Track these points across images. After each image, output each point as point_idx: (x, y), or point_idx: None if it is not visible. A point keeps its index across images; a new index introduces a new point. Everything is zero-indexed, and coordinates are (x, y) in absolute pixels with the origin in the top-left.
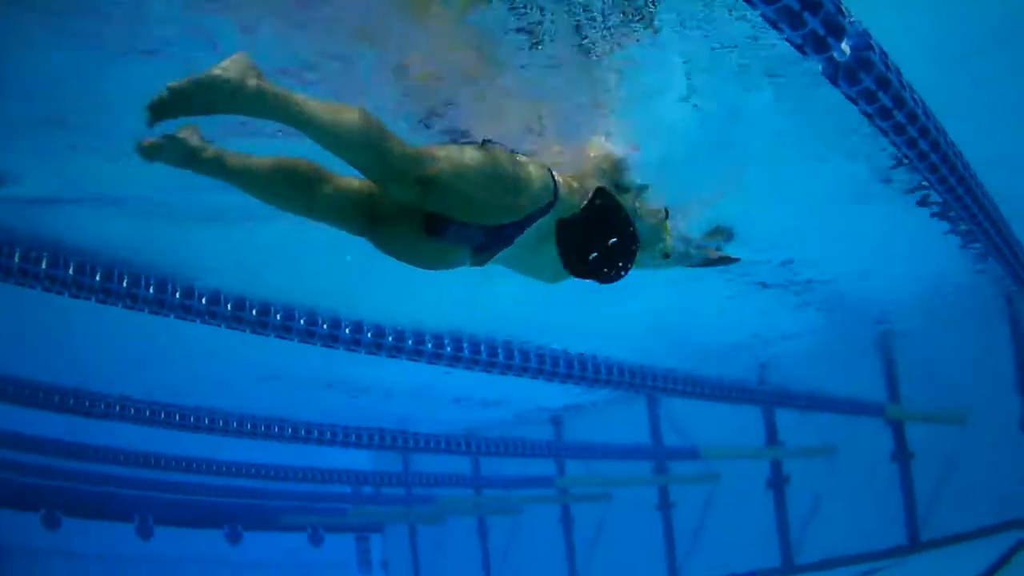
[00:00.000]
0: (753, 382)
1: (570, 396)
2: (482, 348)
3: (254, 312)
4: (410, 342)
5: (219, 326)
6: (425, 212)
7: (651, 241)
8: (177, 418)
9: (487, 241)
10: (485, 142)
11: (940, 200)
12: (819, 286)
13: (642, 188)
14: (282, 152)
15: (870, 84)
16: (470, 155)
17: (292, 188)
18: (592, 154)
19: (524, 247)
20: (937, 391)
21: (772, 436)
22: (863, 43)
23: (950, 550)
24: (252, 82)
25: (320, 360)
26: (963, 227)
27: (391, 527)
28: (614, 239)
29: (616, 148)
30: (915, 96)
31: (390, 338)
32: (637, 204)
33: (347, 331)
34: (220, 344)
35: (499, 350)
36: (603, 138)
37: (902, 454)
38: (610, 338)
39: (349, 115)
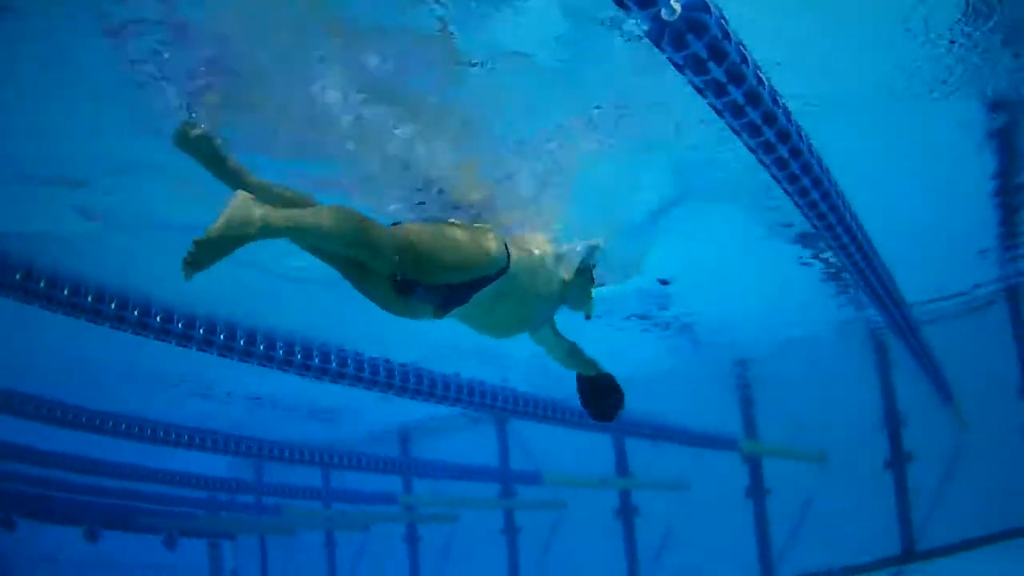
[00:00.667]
0: None
1: (420, 413)
2: (332, 358)
3: (113, 306)
4: (261, 347)
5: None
6: (395, 278)
7: (583, 302)
8: (42, 411)
9: (446, 300)
10: (449, 222)
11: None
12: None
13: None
14: None
15: (700, 50)
16: (434, 232)
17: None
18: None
19: (479, 306)
20: (800, 431)
21: (622, 465)
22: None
23: None
24: (257, 222)
25: (184, 362)
26: (831, 259)
27: (243, 536)
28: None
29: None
30: (760, 74)
31: (241, 341)
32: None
33: (201, 331)
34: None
35: (349, 361)
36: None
37: (758, 490)
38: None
39: (344, 217)
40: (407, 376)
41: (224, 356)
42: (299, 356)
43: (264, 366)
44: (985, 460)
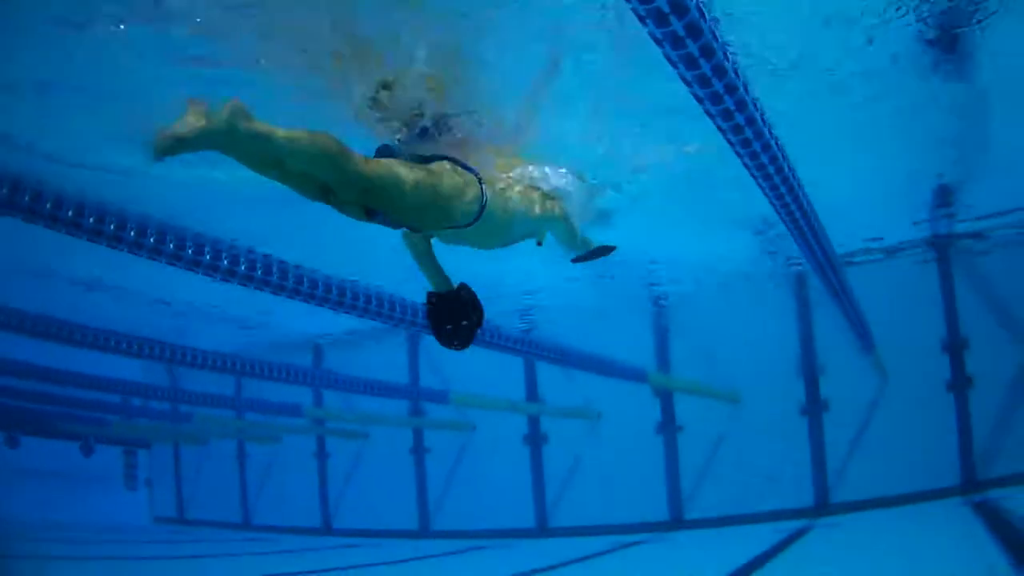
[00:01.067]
0: (516, 331)
1: (333, 325)
2: (241, 260)
3: (27, 198)
4: (171, 245)
5: None
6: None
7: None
8: None
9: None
10: (445, 158)
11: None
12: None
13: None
14: None
15: None
16: (410, 175)
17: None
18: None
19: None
20: (717, 371)
21: (532, 391)
22: None
23: (716, 531)
24: (243, 125)
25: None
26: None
27: (158, 445)
28: (464, 322)
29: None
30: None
31: (152, 239)
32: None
33: (112, 227)
34: None
35: (257, 265)
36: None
37: (669, 426)
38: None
39: (324, 141)
40: (316, 284)
41: (134, 253)
42: (208, 256)
43: (173, 265)
44: (905, 415)
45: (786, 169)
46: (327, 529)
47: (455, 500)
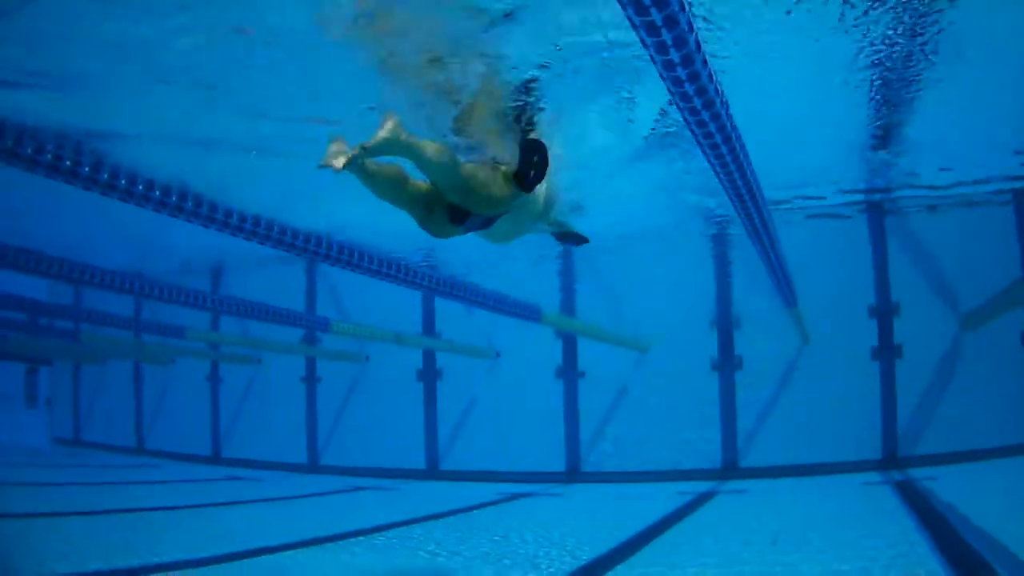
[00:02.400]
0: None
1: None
2: (138, 182)
3: None
4: (67, 162)
5: None
6: (451, 205)
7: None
8: None
9: (482, 225)
10: (494, 160)
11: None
12: None
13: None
14: None
15: None
16: (486, 174)
17: (393, 187)
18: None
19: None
20: (624, 315)
21: (429, 325)
22: None
23: (614, 487)
24: (403, 137)
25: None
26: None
27: (59, 363)
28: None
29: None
30: None
31: (48, 156)
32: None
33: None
34: None
35: (155, 186)
36: None
37: (570, 371)
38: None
39: (443, 148)
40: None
41: (32, 172)
42: (105, 175)
43: (70, 183)
44: (826, 380)
45: (724, 116)
46: (215, 458)
47: (346, 435)
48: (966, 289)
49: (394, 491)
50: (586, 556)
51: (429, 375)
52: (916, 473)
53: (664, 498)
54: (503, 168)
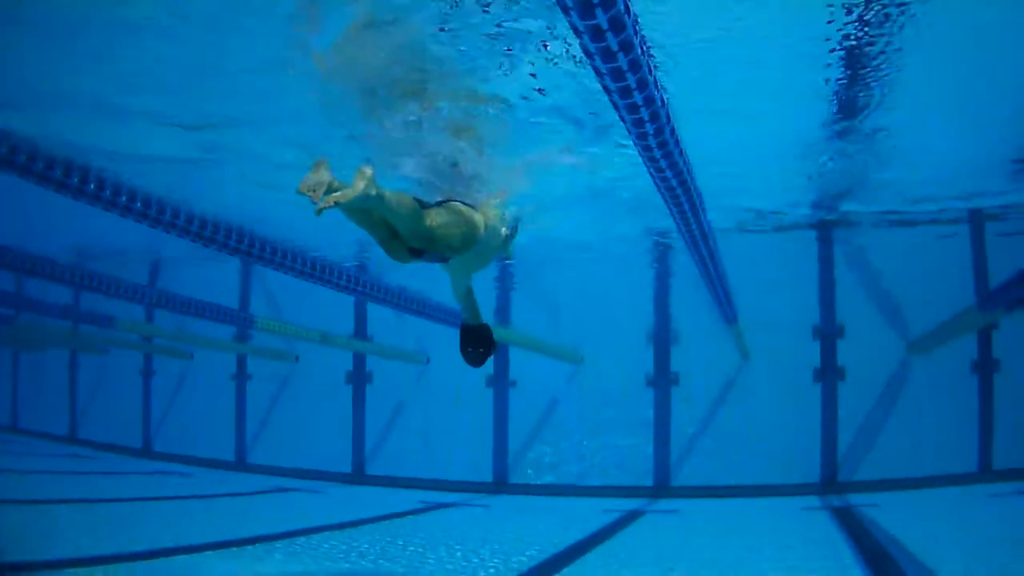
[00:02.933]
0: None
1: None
2: (73, 173)
3: None
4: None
5: None
6: (409, 247)
7: (503, 248)
8: None
9: (438, 259)
10: (455, 201)
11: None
12: None
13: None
14: None
15: None
16: (449, 219)
17: (366, 217)
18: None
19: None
20: (560, 327)
21: (361, 329)
22: None
23: (543, 500)
24: (374, 192)
25: None
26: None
27: None
28: (482, 350)
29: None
30: None
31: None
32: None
33: None
34: None
35: (90, 180)
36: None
37: (500, 379)
38: None
39: (409, 202)
40: (149, 203)
41: None
42: (40, 165)
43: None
44: (765, 400)
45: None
46: (146, 451)
47: (273, 434)
48: (916, 312)
49: (319, 494)
50: None
51: (359, 378)
52: (856, 499)
53: (594, 515)
54: (465, 213)
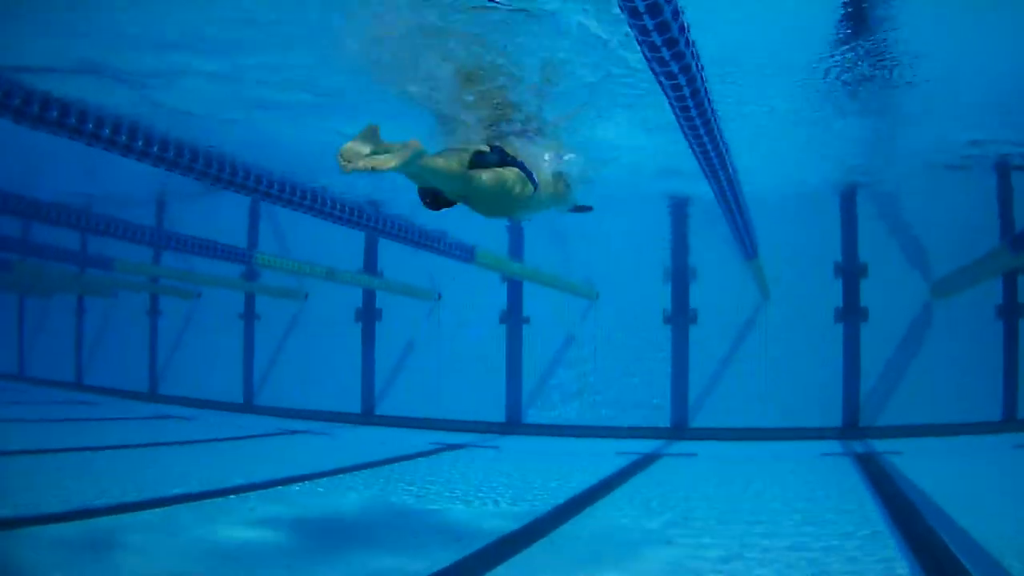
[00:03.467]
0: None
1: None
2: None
3: None
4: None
5: None
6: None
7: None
8: None
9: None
10: (514, 163)
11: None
12: None
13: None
14: None
15: None
16: (494, 182)
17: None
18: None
19: None
20: (572, 261)
21: (371, 265)
22: None
23: (555, 440)
24: (415, 165)
25: None
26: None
27: (3, 297)
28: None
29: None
30: None
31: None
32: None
33: None
34: None
35: (105, 122)
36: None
37: (515, 315)
38: None
39: (457, 169)
40: (164, 144)
41: None
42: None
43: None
44: (786, 341)
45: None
46: (152, 395)
47: (282, 375)
48: (940, 254)
49: (326, 436)
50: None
51: (368, 315)
52: (878, 445)
53: (608, 457)
54: (511, 176)
